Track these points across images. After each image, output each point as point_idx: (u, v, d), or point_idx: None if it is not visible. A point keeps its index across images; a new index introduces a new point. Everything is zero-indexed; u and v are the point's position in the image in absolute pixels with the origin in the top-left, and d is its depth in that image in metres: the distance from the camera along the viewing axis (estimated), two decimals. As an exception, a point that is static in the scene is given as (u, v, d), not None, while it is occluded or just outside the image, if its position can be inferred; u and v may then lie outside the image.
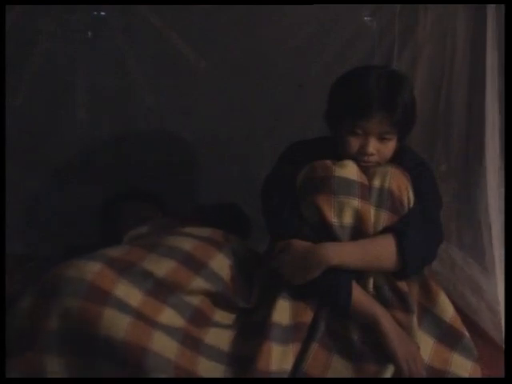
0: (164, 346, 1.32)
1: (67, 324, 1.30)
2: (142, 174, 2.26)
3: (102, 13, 2.23)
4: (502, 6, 1.71)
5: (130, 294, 1.35)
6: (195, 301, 1.43)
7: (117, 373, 1.29)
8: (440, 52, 2.09)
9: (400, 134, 1.53)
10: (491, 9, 1.79)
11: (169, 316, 1.37)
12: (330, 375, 1.41)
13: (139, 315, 1.32)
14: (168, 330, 1.34)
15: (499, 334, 1.72)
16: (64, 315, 1.30)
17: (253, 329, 1.43)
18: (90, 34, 2.25)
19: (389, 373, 1.41)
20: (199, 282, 1.44)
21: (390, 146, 1.52)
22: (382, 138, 1.50)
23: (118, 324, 1.29)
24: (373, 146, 1.50)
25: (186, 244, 1.51)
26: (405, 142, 1.60)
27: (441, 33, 2.08)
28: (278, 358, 1.38)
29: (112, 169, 2.27)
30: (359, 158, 1.51)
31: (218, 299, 1.47)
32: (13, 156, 1.77)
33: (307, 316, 1.44)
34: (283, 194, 1.54)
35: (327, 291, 1.44)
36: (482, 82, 1.91)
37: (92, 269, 1.34)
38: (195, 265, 1.46)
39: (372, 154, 1.50)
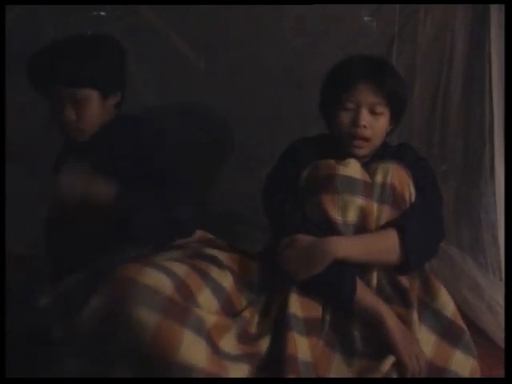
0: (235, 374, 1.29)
1: (139, 341, 1.20)
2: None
3: (102, 13, 2.23)
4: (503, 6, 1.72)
5: (206, 312, 1.30)
6: (241, 321, 1.41)
7: None
8: (440, 52, 2.10)
9: (392, 110, 1.56)
10: (495, 9, 1.79)
11: (229, 343, 1.34)
12: (331, 373, 1.41)
13: (210, 340, 1.27)
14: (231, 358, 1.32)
15: (499, 334, 1.72)
16: (138, 329, 1.20)
17: (274, 325, 1.42)
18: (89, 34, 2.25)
19: (389, 363, 1.40)
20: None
21: (381, 122, 1.55)
22: (373, 112, 1.53)
23: (197, 352, 1.22)
24: (364, 117, 1.52)
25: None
26: (398, 124, 1.63)
27: (441, 33, 2.09)
28: (303, 347, 1.37)
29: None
30: (352, 132, 1.53)
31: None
32: (13, 156, 1.76)
33: (317, 311, 1.45)
34: (286, 192, 1.55)
35: (331, 288, 1.44)
36: (481, 81, 1.92)
37: (167, 282, 1.27)
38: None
39: (364, 127, 1.52)
